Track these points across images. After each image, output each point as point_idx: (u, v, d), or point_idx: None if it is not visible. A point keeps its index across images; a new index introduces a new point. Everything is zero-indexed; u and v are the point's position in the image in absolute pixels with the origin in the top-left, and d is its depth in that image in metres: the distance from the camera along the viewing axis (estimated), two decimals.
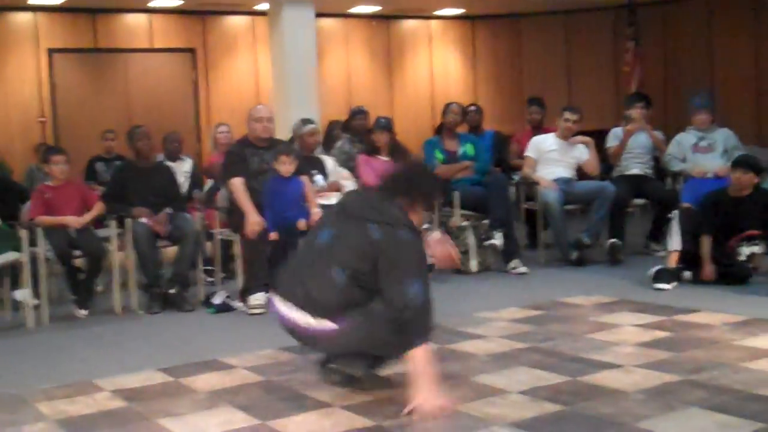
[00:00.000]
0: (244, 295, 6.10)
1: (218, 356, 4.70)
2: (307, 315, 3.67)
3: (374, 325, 3.58)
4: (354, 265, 3.59)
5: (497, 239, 7.04)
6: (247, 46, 11.47)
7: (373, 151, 7.29)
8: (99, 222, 6.65)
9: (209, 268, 7.14)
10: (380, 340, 3.61)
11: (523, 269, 7.04)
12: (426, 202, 3.93)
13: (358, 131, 7.93)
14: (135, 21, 10.90)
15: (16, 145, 10.09)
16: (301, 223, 6.03)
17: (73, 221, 6.20)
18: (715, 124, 7.70)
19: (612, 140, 7.83)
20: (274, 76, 9.52)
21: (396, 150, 7.34)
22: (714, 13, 12.15)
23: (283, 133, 7.70)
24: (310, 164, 6.76)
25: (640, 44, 12.23)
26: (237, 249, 6.51)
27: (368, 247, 3.59)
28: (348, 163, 7.53)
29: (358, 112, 8.16)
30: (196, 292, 6.56)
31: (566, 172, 7.57)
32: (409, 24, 12.55)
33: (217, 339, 5.30)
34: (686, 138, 7.65)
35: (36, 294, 6.05)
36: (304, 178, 6.26)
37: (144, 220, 6.35)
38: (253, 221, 5.99)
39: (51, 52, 10.43)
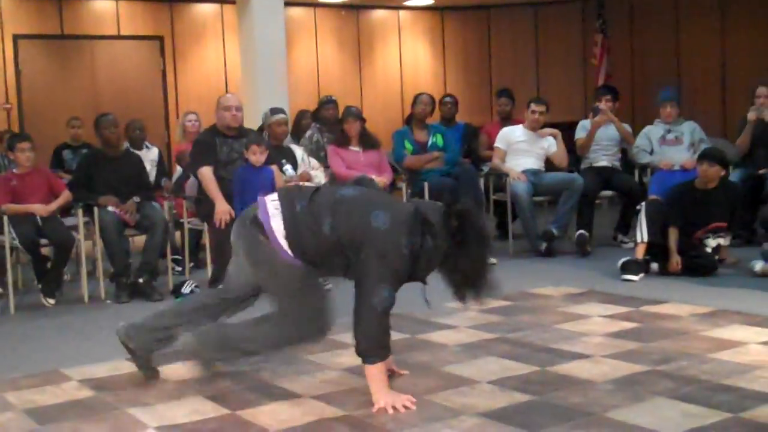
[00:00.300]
0: (213, 284, 6.06)
1: None
2: (281, 228, 3.58)
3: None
4: (339, 234, 3.52)
5: None
6: (215, 35, 11.39)
7: (343, 141, 7.27)
8: (66, 210, 6.59)
9: (178, 257, 7.11)
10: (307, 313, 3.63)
11: (492, 260, 7.03)
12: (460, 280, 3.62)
13: (327, 121, 7.91)
14: (102, 8, 10.79)
15: None
16: None
17: (40, 209, 6.14)
18: (681, 117, 7.78)
19: (580, 132, 7.88)
20: (243, 64, 9.47)
21: (366, 140, 7.33)
22: (681, 8, 12.25)
23: (251, 122, 7.66)
24: (279, 154, 6.73)
25: (608, 37, 12.31)
26: (206, 238, 6.48)
27: (361, 230, 3.50)
28: (318, 153, 7.51)
29: (327, 102, 8.13)
30: (164, 282, 6.52)
31: (535, 163, 7.61)
32: (378, 14, 12.53)
33: None
34: (654, 131, 7.73)
35: (2, 283, 5.99)
36: (274, 168, 6.24)
37: (111, 208, 6.30)
38: (222, 210, 5.97)
39: (16, 38, 10.29)
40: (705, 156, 6.37)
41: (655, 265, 6.25)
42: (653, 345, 4.33)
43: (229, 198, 6.02)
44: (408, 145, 7.55)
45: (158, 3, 11.04)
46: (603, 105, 7.75)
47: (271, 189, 6.08)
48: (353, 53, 12.34)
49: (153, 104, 10.89)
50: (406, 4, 12.56)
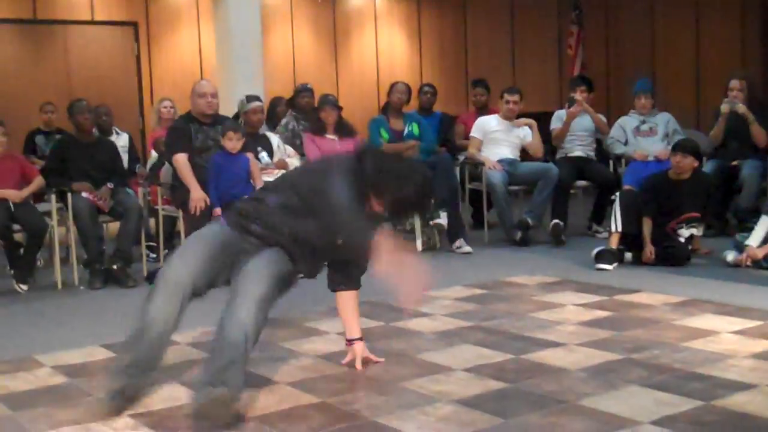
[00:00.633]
0: None
1: None
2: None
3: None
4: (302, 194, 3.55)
5: (442, 219, 7.08)
6: (190, 20, 11.30)
7: (319, 129, 7.25)
8: (39, 196, 6.54)
9: (152, 244, 7.07)
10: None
11: (467, 249, 7.08)
12: (399, 211, 3.67)
13: (303, 109, 7.88)
14: None
15: None
16: None
17: (13, 195, 6.08)
18: (656, 108, 7.82)
19: (555, 122, 7.91)
20: (218, 51, 9.42)
21: (342, 128, 7.32)
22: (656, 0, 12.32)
23: (227, 109, 7.62)
24: (255, 141, 6.71)
25: (583, 28, 12.36)
26: (181, 225, 6.45)
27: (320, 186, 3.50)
28: (293, 140, 7.49)
29: (303, 90, 8.09)
30: (139, 269, 6.49)
31: (510, 153, 7.64)
32: (355, 2, 12.48)
33: None
34: (628, 121, 7.76)
35: None
36: (250, 155, 6.22)
37: (85, 194, 6.26)
38: (197, 197, 5.95)
39: None
40: (678, 147, 6.41)
41: (628, 255, 6.30)
42: (626, 334, 4.36)
43: (203, 185, 5.99)
44: (384, 134, 7.54)
45: None
46: (578, 96, 7.78)
47: (247, 176, 6.08)
48: (329, 41, 12.30)
49: (127, 90, 10.80)
50: None
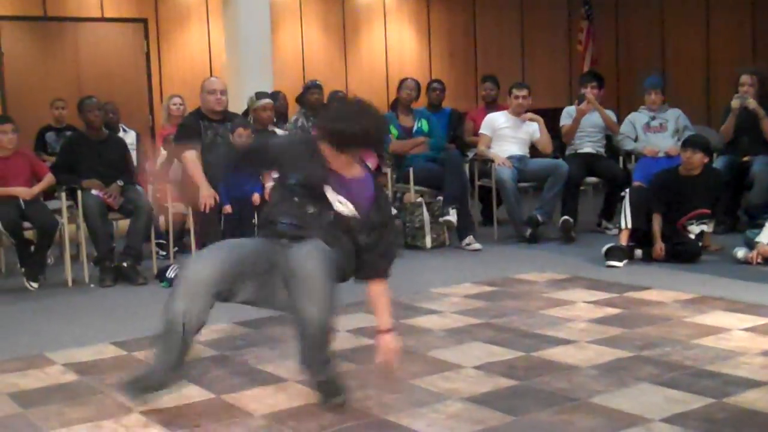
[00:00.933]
0: None
1: None
2: None
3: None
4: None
5: (452, 215, 7.08)
6: (199, 17, 11.31)
7: None
8: (49, 194, 6.56)
9: (162, 241, 7.08)
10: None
11: (477, 246, 7.07)
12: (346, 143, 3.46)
13: (312, 105, 7.88)
14: None
15: None
16: (256, 197, 6.00)
17: (23, 192, 6.10)
18: (666, 104, 7.80)
19: (565, 119, 7.88)
20: (228, 48, 9.42)
21: None
22: None
23: (236, 106, 7.63)
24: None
25: (593, 24, 12.33)
26: (190, 223, 6.46)
27: None
28: None
29: (312, 87, 8.10)
30: (148, 266, 6.50)
31: (520, 149, 7.62)
32: None
33: None
34: (638, 117, 7.74)
35: None
36: None
37: (95, 192, 6.27)
38: (207, 194, 5.95)
39: None
40: (689, 143, 6.39)
41: (639, 252, 6.28)
42: (637, 331, 4.35)
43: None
44: (393, 130, 7.53)
45: None
46: (588, 93, 7.76)
47: (256, 174, 6.07)
48: (338, 37, 12.29)
49: (137, 87, 10.82)
50: None
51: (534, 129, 7.69)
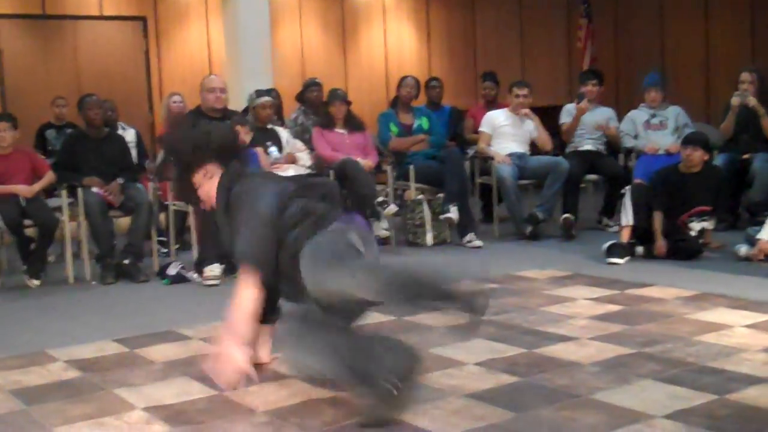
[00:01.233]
0: (198, 266, 6.06)
1: (173, 327, 4.66)
2: None
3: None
4: None
5: (452, 213, 7.08)
6: (199, 15, 11.31)
7: (328, 123, 7.26)
8: (49, 191, 6.56)
9: (163, 239, 7.08)
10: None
11: (478, 243, 7.08)
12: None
13: (312, 103, 7.89)
14: None
15: None
16: None
17: (24, 190, 6.10)
18: (666, 101, 7.80)
19: (565, 117, 7.89)
20: (227, 46, 9.42)
21: (351, 122, 7.33)
22: None
23: (236, 104, 7.63)
24: (265, 136, 6.72)
25: (592, 21, 12.33)
26: (191, 220, 6.46)
27: None
28: (302, 135, 7.49)
29: (312, 84, 8.11)
30: (150, 263, 6.50)
31: (520, 147, 7.62)
32: None
33: (172, 310, 5.27)
34: (638, 115, 7.75)
35: None
36: (259, 150, 6.22)
37: (96, 189, 6.27)
38: None
39: None
40: (689, 140, 6.39)
41: (640, 249, 6.28)
42: (639, 328, 4.35)
43: None
44: (393, 128, 7.54)
45: None
46: (588, 91, 7.76)
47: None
48: (338, 35, 12.29)
49: (136, 85, 10.82)
50: None
51: (534, 126, 7.69)
